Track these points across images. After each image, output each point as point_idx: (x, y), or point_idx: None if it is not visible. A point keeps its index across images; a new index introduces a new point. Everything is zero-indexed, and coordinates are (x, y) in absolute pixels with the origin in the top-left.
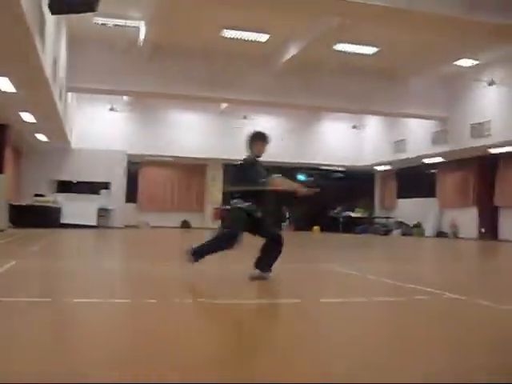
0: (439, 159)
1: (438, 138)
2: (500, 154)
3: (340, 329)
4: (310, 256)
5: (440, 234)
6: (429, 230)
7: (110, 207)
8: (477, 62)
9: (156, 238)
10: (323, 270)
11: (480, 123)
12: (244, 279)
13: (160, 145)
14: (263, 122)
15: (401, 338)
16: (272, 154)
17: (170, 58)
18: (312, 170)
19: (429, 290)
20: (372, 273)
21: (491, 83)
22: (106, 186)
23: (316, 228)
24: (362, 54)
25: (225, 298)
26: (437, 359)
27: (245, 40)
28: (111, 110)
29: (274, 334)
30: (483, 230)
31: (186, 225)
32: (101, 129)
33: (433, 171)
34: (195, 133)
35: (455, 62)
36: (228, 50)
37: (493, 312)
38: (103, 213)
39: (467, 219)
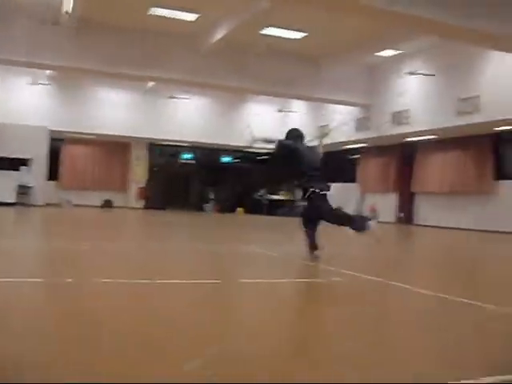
0: (362, 145)
1: (361, 125)
2: (417, 141)
3: (249, 310)
4: (231, 238)
5: None
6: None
7: (30, 184)
8: (399, 52)
9: (77, 217)
10: (244, 252)
11: (400, 112)
12: (164, 258)
13: (83, 122)
14: (189, 103)
15: (312, 318)
16: (198, 134)
17: (96, 34)
18: (237, 152)
19: (345, 271)
20: (292, 254)
21: (411, 73)
22: (26, 162)
23: (240, 210)
24: (290, 39)
25: (141, 277)
26: (348, 341)
27: (173, 19)
28: (33, 83)
29: (176, 314)
30: (401, 215)
31: (107, 204)
32: (22, 103)
33: (355, 157)
34: (120, 111)
35: (379, 52)
36: (156, 28)
37: (407, 293)
38: (23, 190)
39: (386, 204)
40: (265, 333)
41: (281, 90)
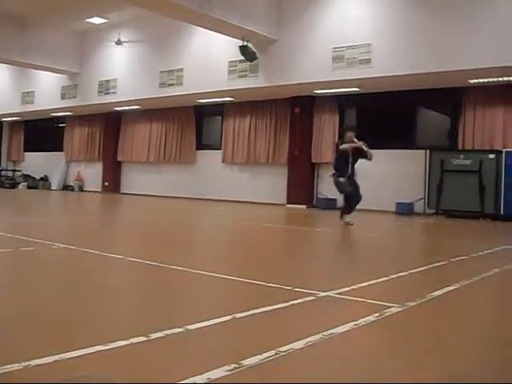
0: (68, 113)
1: (67, 93)
2: (124, 111)
3: None
4: None
5: (66, 188)
6: (55, 183)
7: None
8: (106, 21)
9: None
10: None
11: (107, 81)
12: None
13: None
14: None
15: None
16: None
17: None
18: None
19: (39, 241)
20: None
21: (119, 42)
22: None
23: None
24: None
25: None
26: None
27: None
28: None
29: None
30: (106, 184)
31: None
32: None
33: (62, 125)
34: None
35: (88, 19)
36: None
37: (97, 258)
38: None
39: (93, 173)
40: None
41: None
